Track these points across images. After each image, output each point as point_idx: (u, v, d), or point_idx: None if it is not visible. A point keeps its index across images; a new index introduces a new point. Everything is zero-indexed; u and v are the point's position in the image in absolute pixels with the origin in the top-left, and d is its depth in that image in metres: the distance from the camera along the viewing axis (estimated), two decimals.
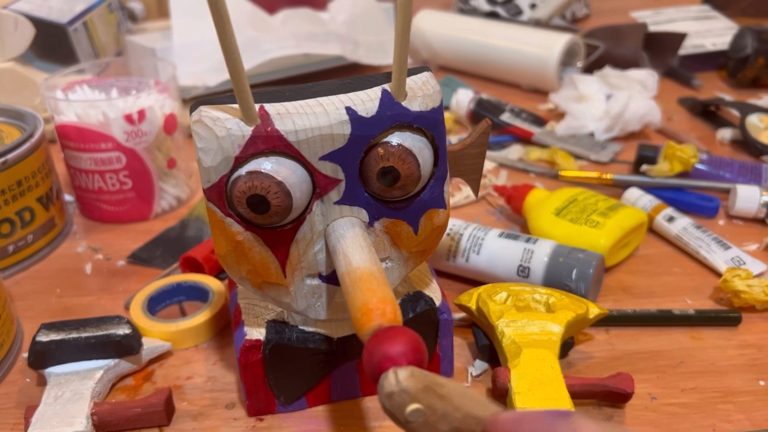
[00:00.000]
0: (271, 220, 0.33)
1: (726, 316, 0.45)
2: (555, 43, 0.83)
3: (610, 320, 0.45)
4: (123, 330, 0.41)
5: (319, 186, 0.33)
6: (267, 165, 0.32)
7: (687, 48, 0.91)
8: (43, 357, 0.40)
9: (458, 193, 0.63)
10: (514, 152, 0.70)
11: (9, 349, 0.44)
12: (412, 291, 0.39)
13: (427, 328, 0.39)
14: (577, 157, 0.69)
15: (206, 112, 0.32)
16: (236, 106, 0.32)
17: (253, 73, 0.81)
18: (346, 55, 0.87)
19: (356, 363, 0.39)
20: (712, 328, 0.45)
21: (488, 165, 0.68)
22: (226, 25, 0.28)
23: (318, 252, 0.35)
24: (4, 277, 0.53)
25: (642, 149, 0.63)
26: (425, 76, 0.35)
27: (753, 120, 0.68)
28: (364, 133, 0.33)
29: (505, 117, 0.74)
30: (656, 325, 0.45)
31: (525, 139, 0.72)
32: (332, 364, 0.39)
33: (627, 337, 0.44)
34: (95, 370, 0.40)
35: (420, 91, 0.34)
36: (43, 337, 0.40)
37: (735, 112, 0.72)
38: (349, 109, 0.33)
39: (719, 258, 0.50)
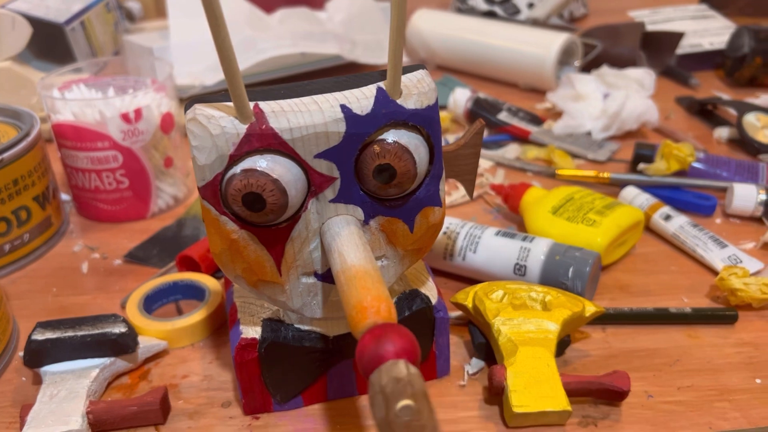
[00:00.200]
0: (266, 218, 0.33)
1: (722, 314, 0.45)
2: (552, 42, 0.83)
3: (606, 318, 0.45)
4: (119, 328, 0.41)
5: (315, 184, 0.33)
6: (262, 163, 0.32)
7: (684, 47, 0.91)
8: (38, 355, 0.40)
9: (455, 191, 0.63)
10: (511, 151, 0.70)
11: (5, 348, 0.44)
12: (408, 289, 0.39)
13: (423, 327, 0.39)
14: (574, 155, 0.69)
15: (201, 110, 0.32)
16: (231, 104, 0.32)
17: (251, 72, 0.81)
18: (343, 55, 0.87)
19: (352, 361, 0.39)
20: (708, 326, 0.45)
21: (485, 164, 0.68)
22: (220, 22, 0.28)
23: (313, 250, 0.35)
24: (0, 276, 0.53)
25: (639, 148, 0.63)
26: (420, 73, 0.35)
27: (750, 119, 0.68)
28: (359, 130, 0.33)
29: (503, 116, 0.74)
30: (653, 323, 0.45)
31: (522, 138, 0.72)
32: (328, 363, 0.39)
33: (623, 336, 0.44)
34: (91, 369, 0.40)
35: (415, 89, 0.34)
36: (39, 336, 0.40)
37: (732, 111, 0.72)
38: (344, 107, 0.33)
39: (716, 256, 0.50)
